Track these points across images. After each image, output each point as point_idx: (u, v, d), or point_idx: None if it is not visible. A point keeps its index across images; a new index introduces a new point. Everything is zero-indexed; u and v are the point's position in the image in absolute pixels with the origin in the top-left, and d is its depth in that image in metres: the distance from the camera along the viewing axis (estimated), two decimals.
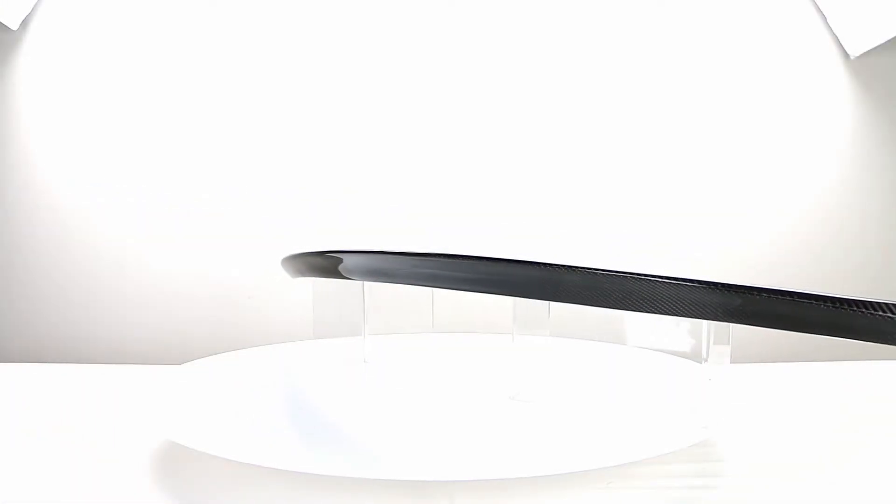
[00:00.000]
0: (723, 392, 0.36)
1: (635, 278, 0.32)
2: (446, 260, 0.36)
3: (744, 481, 0.34)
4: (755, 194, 0.67)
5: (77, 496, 0.32)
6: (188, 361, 0.48)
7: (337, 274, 0.43)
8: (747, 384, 0.54)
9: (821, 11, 0.66)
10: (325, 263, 0.43)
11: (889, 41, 0.63)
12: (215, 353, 0.51)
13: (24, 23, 0.64)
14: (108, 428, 0.42)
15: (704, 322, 0.36)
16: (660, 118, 0.66)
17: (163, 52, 0.65)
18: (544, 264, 0.33)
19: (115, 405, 0.47)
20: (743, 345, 0.67)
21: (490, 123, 0.66)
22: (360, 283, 0.47)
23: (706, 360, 0.37)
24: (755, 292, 0.29)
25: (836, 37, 0.66)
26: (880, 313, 0.25)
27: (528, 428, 0.38)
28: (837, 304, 0.26)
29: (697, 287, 0.32)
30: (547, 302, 0.41)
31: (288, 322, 0.65)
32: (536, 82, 0.66)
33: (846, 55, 0.66)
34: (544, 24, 0.66)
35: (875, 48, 0.64)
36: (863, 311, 0.26)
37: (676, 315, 0.32)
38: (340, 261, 0.42)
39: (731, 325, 0.34)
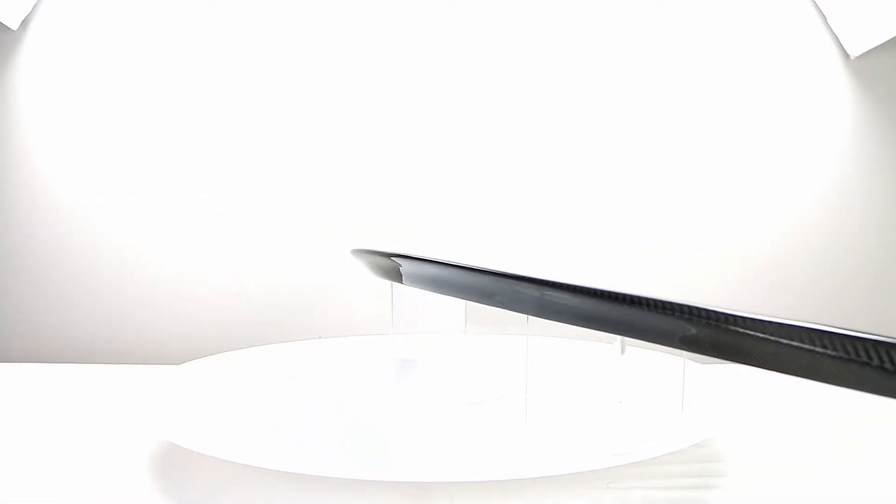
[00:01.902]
0: (639, 413, 0.35)
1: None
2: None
3: (744, 481, 0.34)
4: (755, 194, 0.67)
5: (76, 496, 0.32)
6: (188, 361, 0.48)
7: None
8: (747, 384, 0.54)
9: (821, 11, 0.66)
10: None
11: (889, 41, 0.63)
12: (215, 353, 0.51)
13: (24, 23, 0.64)
14: (107, 428, 0.42)
15: (618, 338, 0.34)
16: (660, 118, 0.66)
17: (163, 52, 0.65)
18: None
19: (115, 405, 0.47)
20: None
21: (490, 123, 0.66)
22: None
23: (617, 381, 0.35)
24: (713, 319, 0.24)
25: (836, 37, 0.66)
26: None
27: (528, 429, 0.38)
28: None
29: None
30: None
31: (288, 322, 0.65)
32: (536, 82, 0.66)
33: (846, 55, 0.66)
34: (544, 24, 0.66)
35: (875, 48, 0.64)
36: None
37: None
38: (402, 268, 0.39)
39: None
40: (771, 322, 0.23)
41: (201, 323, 0.65)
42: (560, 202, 0.66)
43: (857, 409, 0.48)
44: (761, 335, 0.23)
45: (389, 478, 0.30)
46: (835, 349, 0.21)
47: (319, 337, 0.59)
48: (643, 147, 0.66)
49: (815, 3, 0.66)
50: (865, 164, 0.67)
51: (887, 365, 0.20)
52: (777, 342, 0.23)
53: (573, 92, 0.66)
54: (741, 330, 0.23)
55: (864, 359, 0.21)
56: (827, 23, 0.66)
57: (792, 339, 0.22)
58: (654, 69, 0.66)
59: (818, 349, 0.22)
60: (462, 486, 0.32)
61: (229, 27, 0.65)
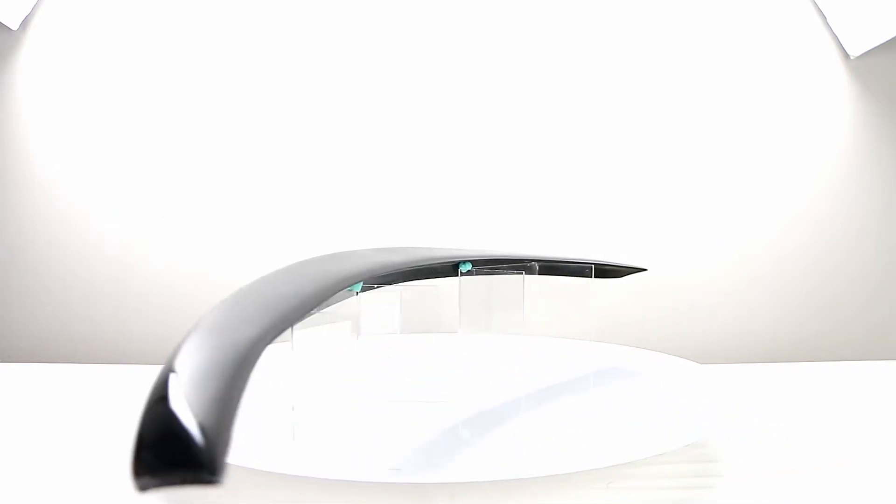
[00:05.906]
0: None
1: None
2: None
3: (743, 481, 0.34)
4: (755, 195, 0.67)
5: (75, 497, 0.32)
6: None
7: None
8: (746, 384, 0.54)
9: (821, 11, 0.66)
10: None
11: (889, 41, 0.63)
12: None
13: (24, 23, 0.64)
14: (107, 428, 0.42)
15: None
16: (660, 118, 0.66)
17: (163, 52, 0.65)
18: None
19: (115, 405, 0.47)
20: (742, 345, 0.67)
21: (490, 123, 0.66)
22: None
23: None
24: None
25: (836, 37, 0.66)
26: None
27: (528, 429, 0.38)
28: None
29: None
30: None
31: None
32: (536, 83, 0.66)
33: (846, 55, 0.66)
34: (545, 24, 0.66)
35: (875, 48, 0.64)
36: None
37: None
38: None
39: None
40: None
41: None
42: (560, 202, 0.66)
43: (858, 408, 0.48)
44: None
45: (389, 478, 0.30)
46: None
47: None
48: (644, 147, 0.66)
49: (815, 3, 0.66)
50: (865, 164, 0.67)
51: None
52: None
53: (574, 93, 0.66)
54: None
55: None
56: (827, 23, 0.66)
57: None
58: (654, 70, 0.66)
59: None
60: (462, 486, 0.32)
61: (229, 28, 0.65)
